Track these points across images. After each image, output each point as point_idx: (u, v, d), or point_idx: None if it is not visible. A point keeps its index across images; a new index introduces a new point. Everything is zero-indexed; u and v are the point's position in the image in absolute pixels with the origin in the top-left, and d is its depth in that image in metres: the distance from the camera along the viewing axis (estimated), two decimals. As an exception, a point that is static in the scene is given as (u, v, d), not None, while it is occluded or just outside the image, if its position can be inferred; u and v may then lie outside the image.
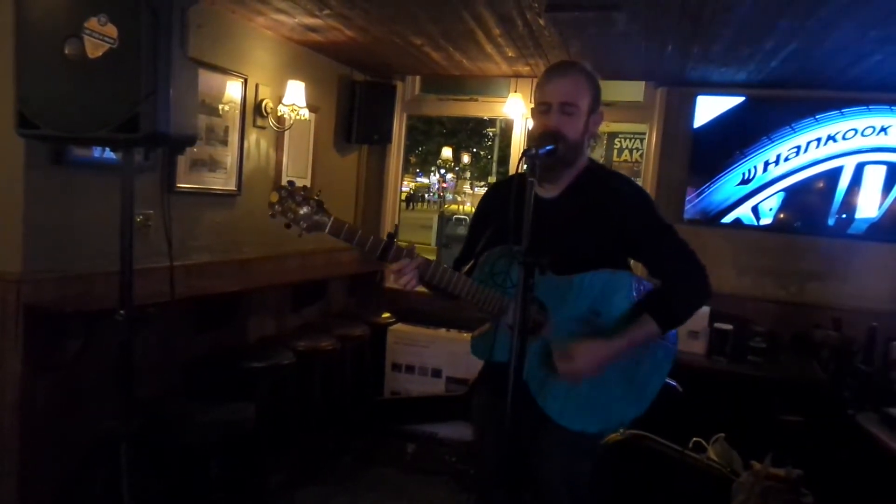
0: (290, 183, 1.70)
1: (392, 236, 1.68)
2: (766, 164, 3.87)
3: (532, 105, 1.78)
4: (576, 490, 1.76)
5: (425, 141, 16.08)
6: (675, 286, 1.71)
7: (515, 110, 4.33)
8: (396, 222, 4.60)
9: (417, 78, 4.69)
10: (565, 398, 1.69)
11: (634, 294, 1.70)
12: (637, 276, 1.73)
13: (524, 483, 1.75)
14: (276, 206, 1.66)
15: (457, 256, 1.95)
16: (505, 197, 1.57)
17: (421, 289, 1.75)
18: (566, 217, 1.72)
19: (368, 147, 4.69)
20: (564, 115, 1.67)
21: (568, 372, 1.65)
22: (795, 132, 3.81)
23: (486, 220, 1.86)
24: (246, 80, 3.36)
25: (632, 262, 1.84)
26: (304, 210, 1.66)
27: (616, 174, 1.83)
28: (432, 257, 2.28)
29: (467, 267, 1.82)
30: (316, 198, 1.67)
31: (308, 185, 1.73)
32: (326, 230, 1.67)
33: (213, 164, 3.22)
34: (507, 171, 5.51)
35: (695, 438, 3.02)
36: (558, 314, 1.70)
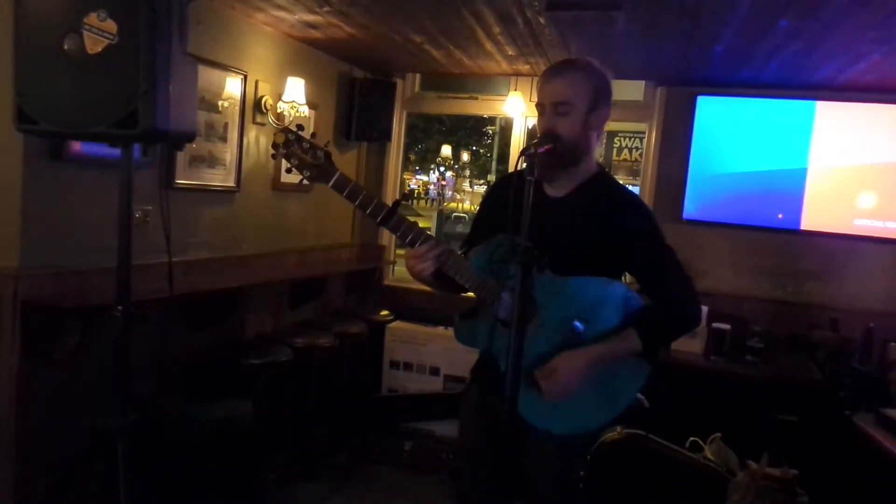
0: (299, 126, 1.65)
1: (397, 203, 1.63)
2: (767, 164, 3.87)
3: (534, 103, 1.79)
4: (567, 492, 1.76)
5: (425, 139, 16.07)
6: (666, 308, 1.70)
7: (515, 109, 4.33)
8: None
9: (417, 76, 4.69)
10: (537, 395, 1.68)
11: (624, 309, 1.68)
12: (631, 291, 1.72)
13: (513, 483, 1.74)
14: (281, 149, 1.61)
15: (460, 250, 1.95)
16: (508, 193, 1.57)
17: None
18: (570, 218, 1.72)
19: (368, 144, 4.69)
20: (558, 115, 1.67)
21: (552, 389, 1.64)
22: (796, 132, 3.81)
23: (490, 215, 1.88)
24: (245, 77, 3.36)
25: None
26: (310, 158, 1.61)
27: (627, 189, 1.82)
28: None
29: (463, 251, 1.81)
30: (324, 148, 1.63)
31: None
32: (331, 183, 1.62)
33: (212, 161, 3.22)
34: (507, 169, 5.51)
35: (691, 438, 3.02)
36: (547, 312, 1.69)
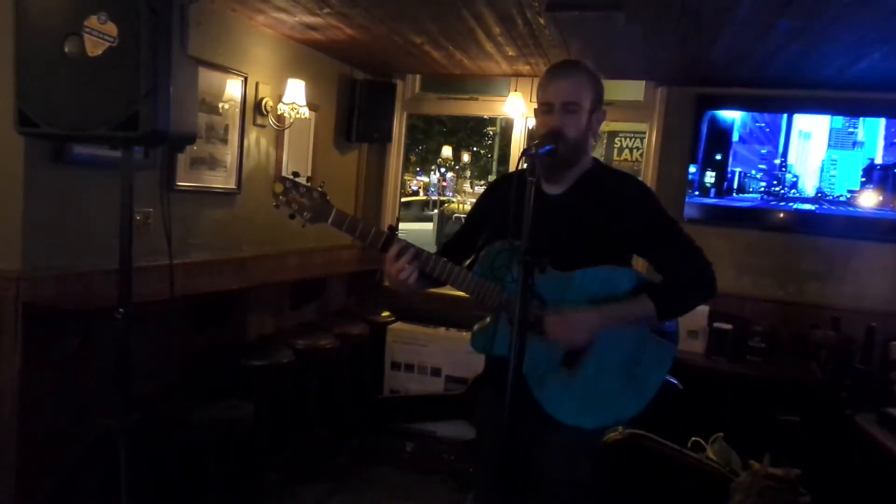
0: (295, 174, 1.71)
1: (393, 228, 1.71)
2: (767, 163, 3.87)
3: (534, 104, 1.79)
4: (577, 491, 1.76)
5: (425, 140, 16.07)
6: (679, 279, 1.71)
7: (515, 109, 4.33)
8: (397, 215, 4.62)
9: (418, 77, 4.69)
10: (563, 391, 1.69)
11: (634, 289, 1.69)
12: (638, 274, 1.73)
13: (525, 482, 1.74)
14: (280, 197, 1.68)
15: (445, 241, 1.97)
16: (507, 194, 1.58)
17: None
18: (570, 214, 1.73)
19: (369, 146, 4.69)
20: (567, 113, 1.68)
21: (557, 334, 1.65)
22: (795, 131, 3.81)
23: (486, 216, 1.89)
24: (246, 79, 3.36)
25: (635, 259, 1.85)
26: (307, 201, 1.68)
27: (622, 173, 1.84)
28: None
29: (468, 261, 1.83)
30: (319, 189, 1.69)
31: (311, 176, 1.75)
32: (329, 221, 1.69)
33: (212, 163, 3.22)
34: (507, 169, 5.51)
35: (693, 438, 3.02)
36: (557, 310, 1.70)
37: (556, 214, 1.70)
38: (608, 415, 1.73)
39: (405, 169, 5.64)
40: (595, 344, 1.69)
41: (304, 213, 1.68)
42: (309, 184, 1.69)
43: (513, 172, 1.79)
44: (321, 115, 4.08)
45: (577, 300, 1.68)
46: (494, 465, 1.77)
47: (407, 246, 1.69)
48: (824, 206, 3.79)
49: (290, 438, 3.48)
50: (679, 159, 4.04)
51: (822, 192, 3.79)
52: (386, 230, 1.69)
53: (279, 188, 1.68)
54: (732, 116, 3.91)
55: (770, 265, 3.95)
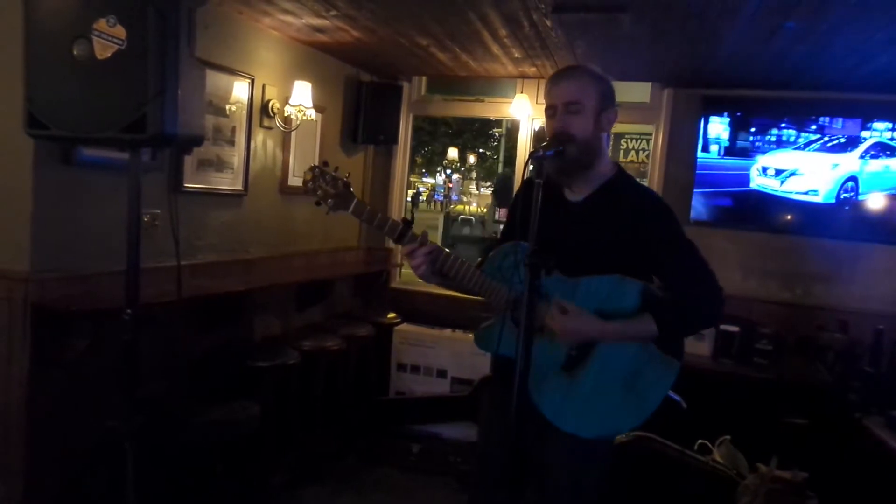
0: (324, 163, 1.80)
1: (408, 220, 1.77)
2: (772, 164, 3.86)
3: (541, 106, 1.82)
4: (582, 497, 1.76)
5: (431, 141, 16.08)
6: (685, 299, 1.69)
7: (521, 111, 4.33)
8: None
9: (423, 79, 4.71)
10: (562, 398, 1.69)
11: (640, 302, 1.68)
12: (646, 286, 1.71)
13: (525, 484, 1.74)
14: (310, 184, 1.78)
15: (486, 247, 2.01)
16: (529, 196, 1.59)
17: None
18: (587, 221, 1.73)
19: (374, 147, 4.70)
20: (570, 114, 1.69)
21: (553, 323, 1.66)
22: (801, 133, 3.79)
23: (513, 219, 1.93)
24: (253, 81, 3.37)
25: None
26: (332, 189, 1.76)
27: (644, 187, 1.85)
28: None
29: (479, 260, 1.85)
30: (344, 179, 1.78)
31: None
32: (350, 210, 1.77)
33: (219, 165, 3.24)
34: (513, 171, 5.51)
35: (700, 440, 3.01)
36: (561, 303, 1.70)
37: (574, 221, 1.72)
38: (606, 426, 1.73)
39: (411, 170, 5.65)
40: (597, 353, 1.69)
41: (328, 201, 1.76)
42: (335, 173, 1.77)
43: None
44: (327, 117, 4.09)
45: (584, 308, 1.67)
46: (496, 463, 1.78)
47: (420, 239, 1.73)
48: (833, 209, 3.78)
49: (296, 440, 3.49)
50: (685, 161, 4.03)
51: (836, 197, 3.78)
52: (401, 221, 1.75)
53: (308, 175, 1.78)
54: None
55: (777, 267, 3.93)
